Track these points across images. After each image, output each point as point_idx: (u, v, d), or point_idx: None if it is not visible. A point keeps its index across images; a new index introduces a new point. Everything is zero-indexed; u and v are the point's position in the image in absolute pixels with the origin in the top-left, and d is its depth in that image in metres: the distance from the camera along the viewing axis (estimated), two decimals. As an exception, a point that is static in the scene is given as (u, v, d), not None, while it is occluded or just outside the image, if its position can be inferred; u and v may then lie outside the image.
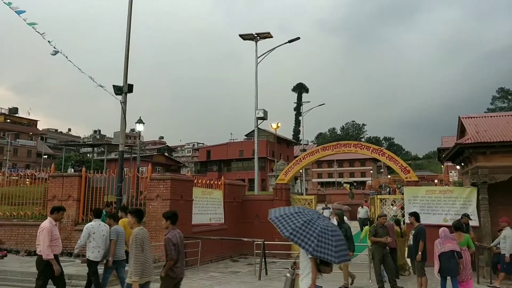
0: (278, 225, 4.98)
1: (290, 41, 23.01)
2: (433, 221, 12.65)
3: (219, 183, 15.09)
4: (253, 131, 23.01)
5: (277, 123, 34.43)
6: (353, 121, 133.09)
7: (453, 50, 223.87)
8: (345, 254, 5.01)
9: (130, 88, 12.81)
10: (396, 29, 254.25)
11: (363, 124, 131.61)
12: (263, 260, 11.12)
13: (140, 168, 21.91)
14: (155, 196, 11.83)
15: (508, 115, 14.33)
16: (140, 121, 23.44)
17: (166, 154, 70.74)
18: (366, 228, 13.15)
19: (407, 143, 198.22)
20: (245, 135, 72.35)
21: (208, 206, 13.87)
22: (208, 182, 14.62)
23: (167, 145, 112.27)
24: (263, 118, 22.36)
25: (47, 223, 7.00)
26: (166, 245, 5.79)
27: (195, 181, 13.56)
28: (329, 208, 15.67)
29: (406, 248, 10.32)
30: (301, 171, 39.98)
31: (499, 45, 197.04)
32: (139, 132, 25.98)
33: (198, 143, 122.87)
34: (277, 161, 43.23)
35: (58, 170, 20.67)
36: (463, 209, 12.46)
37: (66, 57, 11.37)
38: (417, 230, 9.01)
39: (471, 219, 11.49)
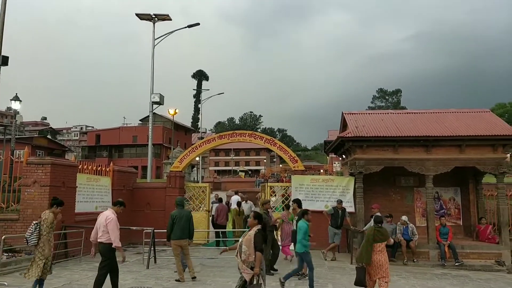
0: None
1: (189, 26, 22.60)
2: (316, 207, 13.65)
3: (108, 169, 14.25)
4: (149, 116, 22.17)
5: (175, 109, 33.70)
6: (251, 112, 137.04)
7: (343, 51, 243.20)
8: None
9: (4, 60, 11.31)
10: (296, 27, 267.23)
11: (260, 116, 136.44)
12: (152, 248, 10.87)
13: (15, 151, 19.57)
14: (32, 182, 10.69)
15: (383, 113, 16.02)
16: (16, 98, 20.86)
17: (49, 136, 64.31)
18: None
19: (299, 135, 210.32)
20: (140, 120, 69.52)
21: (94, 194, 13.02)
22: (95, 168, 13.70)
23: (51, 127, 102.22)
24: (159, 103, 21.69)
25: (111, 214, 7.13)
26: None
27: (80, 167, 12.59)
28: (218, 202, 15.50)
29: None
30: (197, 159, 39.90)
31: (381, 50, 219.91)
32: (15, 110, 23.11)
33: (87, 126, 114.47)
34: (174, 148, 42.41)
35: None
36: (342, 197, 13.68)
37: None
38: (299, 215, 9.59)
39: (340, 203, 12.60)
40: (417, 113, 14.76)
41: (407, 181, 14.45)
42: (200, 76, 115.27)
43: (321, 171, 60.31)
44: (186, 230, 8.91)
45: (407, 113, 15.63)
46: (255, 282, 5.50)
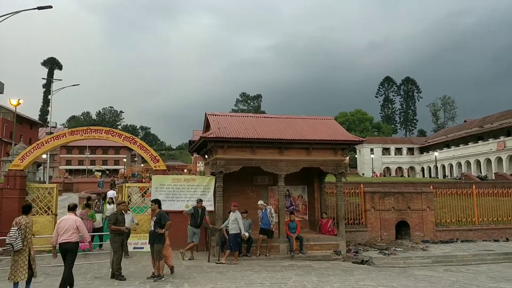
0: None
1: (40, 8, 20.12)
2: (176, 207, 13.60)
3: None
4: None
5: (18, 100, 29.71)
6: (111, 107, 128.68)
7: (210, 54, 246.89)
8: None
9: None
10: (164, 25, 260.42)
11: (121, 111, 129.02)
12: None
13: None
14: None
15: (244, 116, 16.79)
16: None
17: None
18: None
19: (163, 134, 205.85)
20: (-27, 110, 58.97)
21: None
22: None
23: None
24: (-3, 92, 18.76)
25: (76, 216, 8.36)
26: None
27: None
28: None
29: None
30: (45, 156, 35.69)
31: (245, 55, 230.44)
32: None
33: None
34: (15, 144, 37.32)
35: None
36: (203, 196, 13.90)
37: None
38: (159, 215, 9.41)
39: (200, 202, 12.81)
40: (273, 117, 15.88)
41: (262, 180, 15.44)
42: (52, 64, 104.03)
43: (185, 170, 60.11)
44: None
45: (265, 117, 16.70)
46: None
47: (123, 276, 9.13)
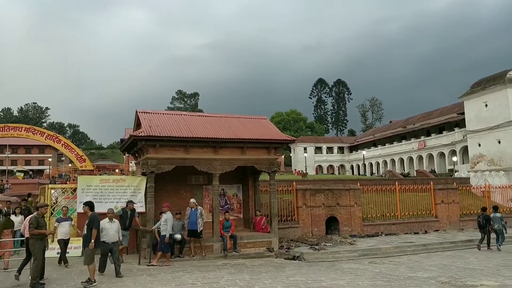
0: None
1: None
2: (105, 209, 12.79)
3: None
4: None
5: None
6: (34, 103, 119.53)
7: (143, 49, 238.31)
8: None
9: None
10: (93, 16, 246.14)
11: (47, 108, 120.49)
12: None
13: None
14: None
15: (177, 114, 16.43)
16: None
17: None
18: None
19: (93, 132, 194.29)
20: None
21: None
22: None
23: None
24: None
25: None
26: None
27: None
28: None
29: None
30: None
31: (182, 52, 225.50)
32: None
33: None
34: None
35: None
36: (133, 197, 13.40)
37: None
38: (90, 219, 8.95)
39: (135, 203, 12.44)
40: (207, 116, 15.76)
41: (197, 180, 15.26)
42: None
43: (117, 170, 57.66)
44: None
45: (199, 115, 16.53)
46: None
47: (42, 283, 8.51)
